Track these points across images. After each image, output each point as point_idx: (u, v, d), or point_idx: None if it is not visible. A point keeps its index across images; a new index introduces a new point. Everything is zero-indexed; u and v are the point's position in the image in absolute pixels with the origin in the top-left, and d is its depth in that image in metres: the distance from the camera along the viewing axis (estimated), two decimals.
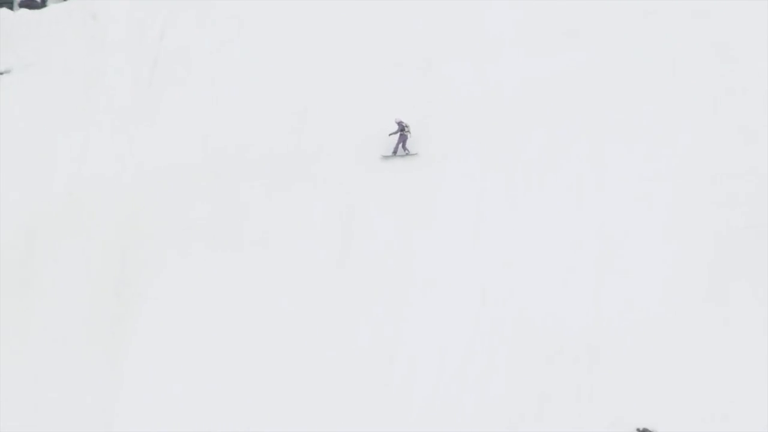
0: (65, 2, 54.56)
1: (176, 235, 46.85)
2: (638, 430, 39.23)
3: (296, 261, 45.61)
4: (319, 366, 42.98)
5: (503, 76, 49.54)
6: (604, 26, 49.72)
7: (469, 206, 46.08)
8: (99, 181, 48.49)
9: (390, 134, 47.73)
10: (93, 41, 52.36)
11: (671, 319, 41.68)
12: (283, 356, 43.40)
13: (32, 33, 52.70)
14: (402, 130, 47.42)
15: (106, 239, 46.98)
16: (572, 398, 40.70)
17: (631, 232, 44.14)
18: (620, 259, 43.69)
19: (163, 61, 51.64)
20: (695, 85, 47.03)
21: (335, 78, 50.68)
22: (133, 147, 49.27)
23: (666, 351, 41.08)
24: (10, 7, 54.63)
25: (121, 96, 50.94)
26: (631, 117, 47.16)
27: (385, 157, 47.83)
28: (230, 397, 42.68)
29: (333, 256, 45.60)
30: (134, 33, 52.48)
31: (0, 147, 49.48)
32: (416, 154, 47.55)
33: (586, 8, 50.34)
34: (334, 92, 50.28)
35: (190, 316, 44.75)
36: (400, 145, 47.50)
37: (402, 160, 47.38)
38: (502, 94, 49.06)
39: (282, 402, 42.33)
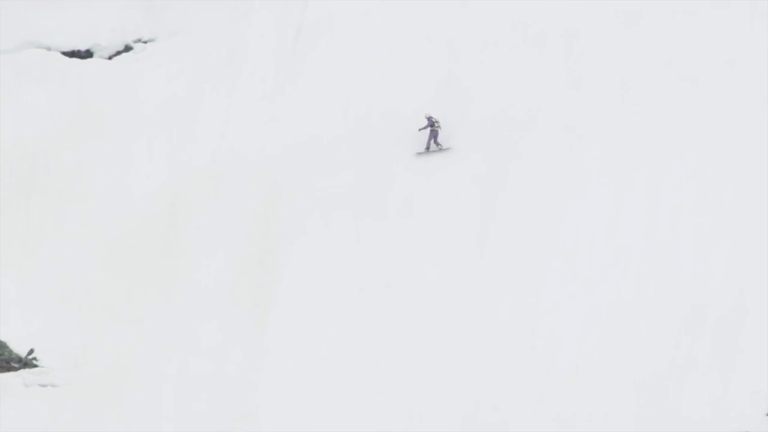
0: None
1: (319, 204, 46.69)
2: None
3: (440, 230, 45.14)
4: (462, 336, 42.64)
5: (649, 49, 48.57)
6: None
7: (612, 178, 45.24)
8: (242, 149, 48.47)
9: (420, 129, 47.15)
10: (236, 10, 52.14)
11: None
12: (426, 326, 43.07)
13: (176, 1, 52.73)
14: (432, 125, 46.86)
15: (248, 208, 46.96)
16: (714, 367, 39.93)
17: None
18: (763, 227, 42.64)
19: (306, 29, 51.27)
20: None
21: (478, 46, 49.92)
22: (275, 115, 49.09)
23: None
24: None
25: (264, 65, 50.72)
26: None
27: (419, 154, 47.23)
28: (372, 362, 42.50)
29: (475, 225, 45.01)
30: (278, 1, 52.23)
31: (144, 117, 49.60)
32: (449, 148, 46.96)
33: None
34: (477, 61, 49.54)
35: (333, 284, 44.61)
36: (432, 141, 46.94)
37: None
38: (647, 68, 48.08)
39: (424, 370, 42.08)
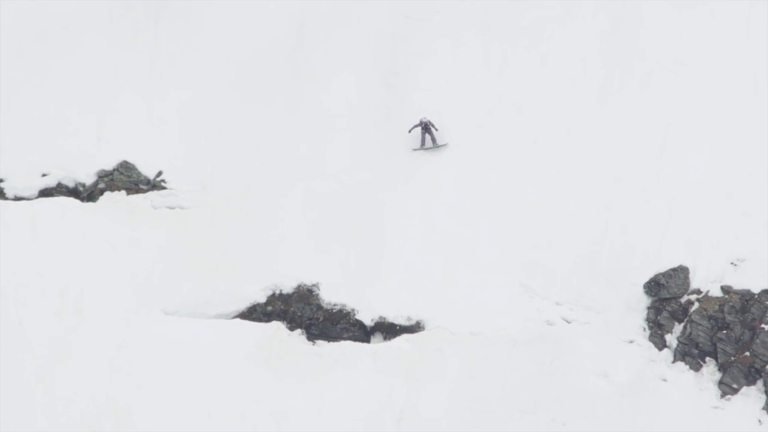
0: None
1: (448, 25, 45.80)
2: None
3: (566, 58, 44.43)
4: (593, 158, 42.05)
5: None
6: None
7: None
8: None
9: (411, 129, 43.62)
10: None
11: None
12: (556, 151, 42.45)
13: None
14: (425, 126, 43.31)
15: (376, 29, 46.31)
16: None
17: None
18: None
19: None
20: None
21: None
22: None
23: None
24: None
25: None
26: None
27: (414, 150, 43.75)
28: (499, 186, 41.95)
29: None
30: None
31: None
32: (445, 144, 43.63)
33: None
34: None
35: (461, 107, 43.88)
36: (427, 138, 43.56)
37: None
38: None
39: (555, 194, 41.51)
